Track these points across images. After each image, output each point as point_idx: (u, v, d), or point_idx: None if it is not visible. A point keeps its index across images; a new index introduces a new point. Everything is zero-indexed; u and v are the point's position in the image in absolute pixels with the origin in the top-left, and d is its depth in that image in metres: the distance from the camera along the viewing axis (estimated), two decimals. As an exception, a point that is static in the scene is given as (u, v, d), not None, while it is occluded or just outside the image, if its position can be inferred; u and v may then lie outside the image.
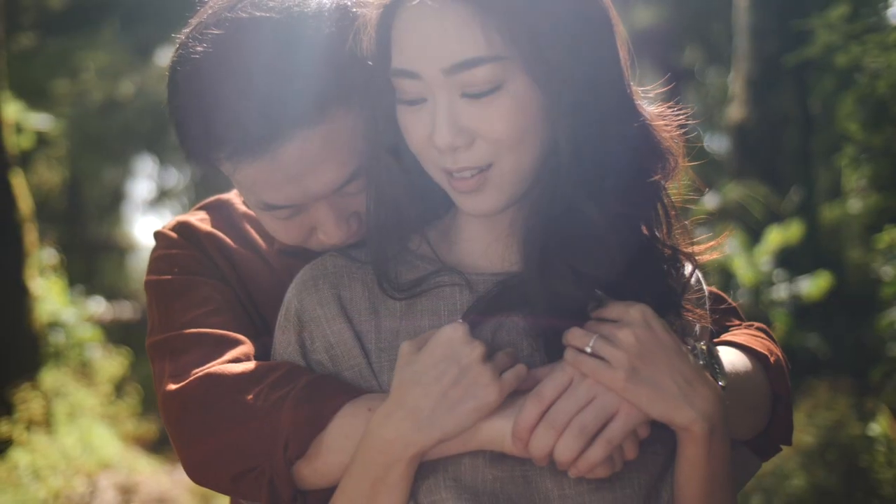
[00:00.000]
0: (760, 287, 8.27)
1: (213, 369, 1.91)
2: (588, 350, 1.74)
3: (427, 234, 1.98)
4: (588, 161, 1.78)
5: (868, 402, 6.69)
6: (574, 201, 1.79)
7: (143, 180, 27.99)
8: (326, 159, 1.91)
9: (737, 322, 2.21)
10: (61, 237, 15.87)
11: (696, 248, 1.98)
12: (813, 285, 8.09)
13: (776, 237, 8.37)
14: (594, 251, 1.80)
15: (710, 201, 9.41)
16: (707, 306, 2.06)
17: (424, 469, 1.79)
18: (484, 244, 1.93)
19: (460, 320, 1.81)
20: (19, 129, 13.67)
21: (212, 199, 2.29)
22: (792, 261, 8.49)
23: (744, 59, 9.74)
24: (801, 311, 8.23)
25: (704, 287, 2.04)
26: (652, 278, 1.88)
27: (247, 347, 1.99)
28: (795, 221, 8.42)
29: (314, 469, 1.83)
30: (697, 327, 1.97)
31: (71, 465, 8.57)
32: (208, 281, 2.11)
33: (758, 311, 8.20)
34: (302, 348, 1.92)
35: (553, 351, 1.82)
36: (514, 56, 1.72)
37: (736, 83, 10.04)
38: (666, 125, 1.89)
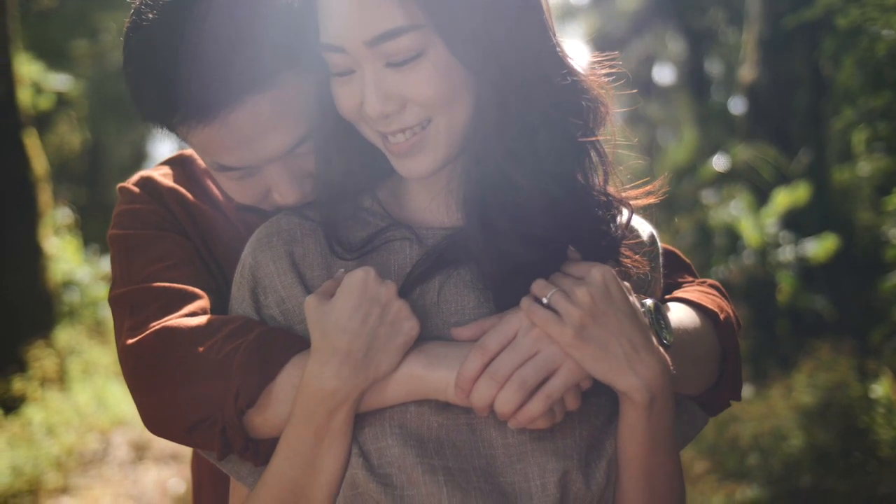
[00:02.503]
0: (767, 249, 8.27)
1: (168, 323, 1.95)
2: (544, 301, 1.78)
3: (377, 192, 2.02)
4: (515, 122, 1.82)
5: (870, 363, 6.70)
6: (502, 163, 1.83)
7: (164, 141, 28.06)
8: (277, 123, 1.96)
9: (690, 279, 2.23)
10: (81, 198, 15.97)
11: (632, 194, 2.01)
12: (819, 247, 8.08)
13: (784, 199, 8.36)
14: (529, 207, 1.83)
15: (719, 162, 9.42)
16: (657, 258, 2.09)
17: (371, 417, 1.84)
18: (428, 200, 1.97)
19: (342, 271, 1.87)
20: (39, 89, 13.74)
21: (176, 154, 2.33)
22: (800, 223, 8.47)
23: (756, 20, 9.68)
24: (808, 272, 8.22)
25: (642, 233, 2.06)
26: (589, 226, 1.91)
27: (203, 302, 2.03)
28: (803, 183, 8.40)
29: (265, 419, 1.87)
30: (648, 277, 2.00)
31: (84, 421, 8.67)
32: (169, 235, 2.15)
33: (764, 273, 8.20)
34: (255, 303, 1.96)
35: (501, 303, 1.85)
36: (431, 24, 1.76)
37: (748, 44, 9.99)
38: (595, 78, 1.91)
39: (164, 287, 2.04)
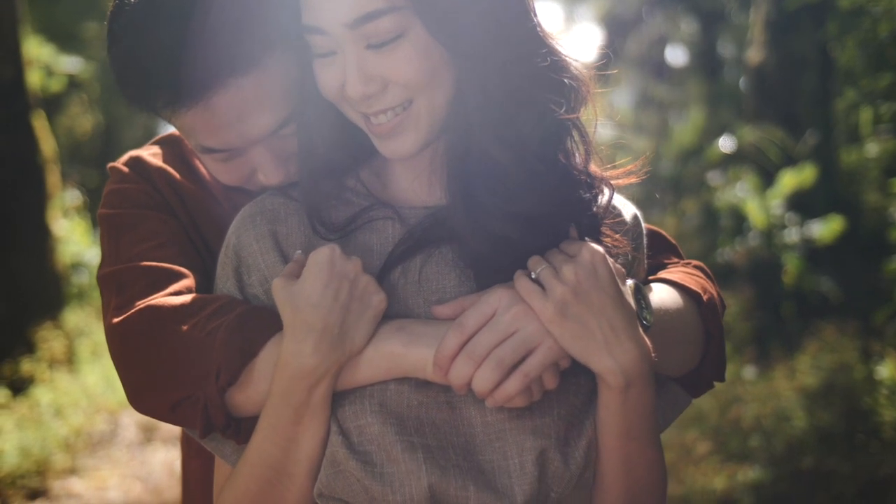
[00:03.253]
0: (773, 230, 8.26)
1: (153, 302, 1.97)
2: (534, 275, 1.80)
3: (360, 172, 2.03)
4: (495, 102, 1.84)
5: (875, 345, 6.70)
6: (484, 141, 1.84)
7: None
8: (260, 105, 1.97)
9: (675, 260, 2.24)
10: (92, 180, 16.00)
11: (613, 173, 2.02)
12: (825, 229, 8.07)
13: (790, 180, 8.34)
14: (513, 184, 1.85)
15: (726, 144, 9.41)
16: (640, 239, 2.10)
17: (350, 395, 1.85)
18: (410, 179, 1.99)
19: (300, 252, 1.90)
20: (50, 72, 13.77)
21: (166, 134, 2.35)
22: (806, 204, 8.46)
23: (763, 1, 9.65)
24: (814, 254, 8.21)
25: (625, 213, 2.07)
26: (570, 205, 1.92)
27: (189, 281, 2.05)
28: (809, 165, 8.38)
29: (247, 397, 1.89)
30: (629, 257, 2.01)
31: (93, 403, 8.71)
32: (157, 215, 2.18)
33: (769, 255, 8.20)
34: (239, 282, 1.98)
35: (482, 282, 1.87)
36: (410, 6, 1.78)
37: (755, 26, 9.96)
38: (577, 59, 1.92)
39: (150, 266, 2.06)
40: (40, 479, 7.57)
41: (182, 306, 1.95)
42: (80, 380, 9.03)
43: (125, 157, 2.30)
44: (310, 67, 1.91)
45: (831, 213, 8.23)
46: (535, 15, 1.89)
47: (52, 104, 14.98)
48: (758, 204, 8.29)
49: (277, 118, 2.00)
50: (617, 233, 1.99)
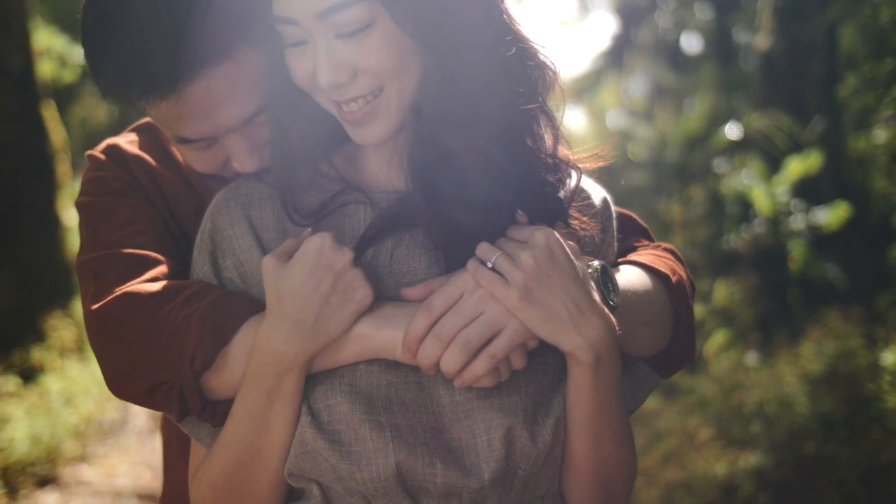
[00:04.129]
0: (779, 217, 8.25)
1: (129, 288, 2.00)
2: (489, 265, 1.82)
3: (333, 158, 2.06)
4: (459, 90, 1.87)
5: (879, 331, 6.69)
6: (445, 130, 1.87)
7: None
8: (233, 95, 2.00)
9: (645, 243, 2.26)
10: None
11: (579, 157, 2.05)
12: (832, 215, 8.06)
13: (796, 167, 8.33)
14: (472, 172, 1.88)
15: (732, 131, 9.38)
16: (609, 222, 2.12)
17: (321, 376, 1.89)
18: (381, 164, 2.02)
19: (308, 231, 1.91)
20: (63, 63, 13.82)
21: (144, 121, 2.37)
22: (813, 191, 8.44)
23: (772, -13, 9.64)
24: (820, 241, 8.20)
25: (594, 197, 2.10)
26: (536, 189, 1.95)
27: (165, 267, 2.08)
28: (815, 151, 8.36)
29: (221, 381, 1.93)
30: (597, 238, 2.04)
31: (103, 391, 8.74)
32: (133, 202, 2.21)
33: (775, 241, 8.18)
34: (215, 267, 2.01)
35: (452, 265, 1.90)
36: None
37: (763, 12, 9.94)
38: (543, 45, 1.94)
39: (127, 253, 2.10)
40: (50, 466, 7.62)
41: (158, 292, 1.98)
42: (90, 368, 9.08)
43: (102, 144, 2.34)
44: (282, 57, 1.93)
45: (838, 199, 8.20)
46: (503, 2, 1.91)
47: (66, 95, 15.03)
48: (764, 191, 8.28)
49: (250, 107, 2.03)
50: (585, 216, 2.02)
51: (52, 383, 8.46)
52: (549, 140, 1.99)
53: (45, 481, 7.48)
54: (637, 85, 24.12)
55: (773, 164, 8.77)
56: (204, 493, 2.00)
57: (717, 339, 8.06)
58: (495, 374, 1.83)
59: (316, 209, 1.99)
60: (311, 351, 1.84)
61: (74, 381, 8.66)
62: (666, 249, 2.24)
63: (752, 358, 7.57)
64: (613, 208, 2.16)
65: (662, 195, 11.24)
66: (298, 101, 1.97)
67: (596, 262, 1.93)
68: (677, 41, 23.45)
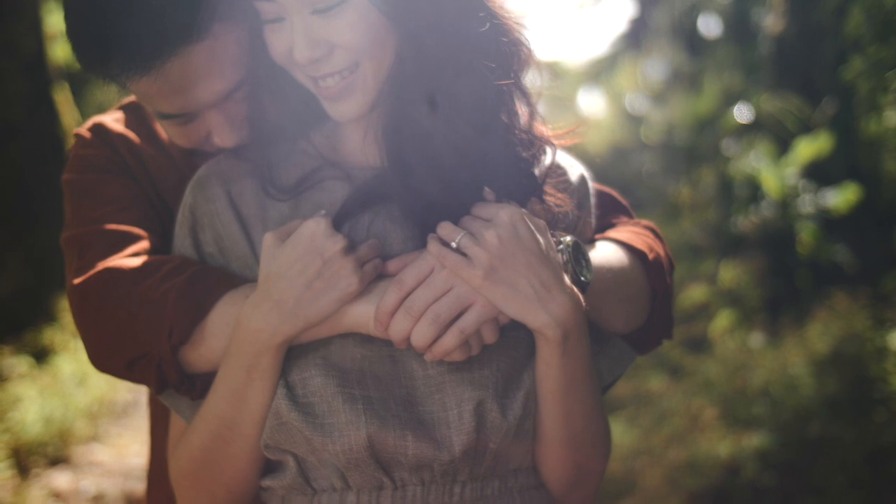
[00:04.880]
0: (787, 199, 8.23)
1: (111, 263, 2.03)
2: (454, 245, 1.84)
3: (312, 134, 2.08)
4: (432, 66, 1.88)
5: (888, 313, 6.68)
6: (417, 106, 1.89)
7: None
8: (212, 71, 2.02)
9: (625, 220, 2.27)
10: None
11: (555, 134, 2.07)
12: (841, 197, 8.04)
13: (806, 149, 8.31)
14: (444, 148, 1.90)
15: (741, 113, 9.36)
16: (587, 198, 2.13)
17: (296, 350, 1.92)
18: (359, 140, 2.03)
19: (323, 213, 1.91)
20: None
21: (130, 99, 2.40)
22: (823, 173, 8.42)
23: (783, -32, 9.60)
24: (830, 223, 8.18)
25: (571, 173, 2.11)
26: (512, 165, 1.97)
27: (146, 243, 2.11)
28: (824, 133, 8.34)
29: (199, 354, 1.96)
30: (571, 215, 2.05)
31: (115, 372, 8.79)
32: (118, 179, 2.24)
33: (784, 223, 8.17)
34: (195, 242, 2.04)
35: (426, 239, 1.92)
36: None
37: (775, -6, 9.91)
38: (518, 21, 1.95)
39: (110, 229, 2.13)
40: (62, 446, 7.67)
41: (138, 267, 2.01)
42: (103, 349, 9.11)
43: (89, 122, 2.37)
44: (260, 33, 1.95)
45: (848, 181, 8.18)
46: None
47: (82, 78, 15.07)
48: (773, 173, 8.26)
49: (230, 83, 2.05)
50: (561, 192, 2.03)
51: (64, 364, 8.50)
52: (524, 116, 2.01)
53: (57, 461, 7.53)
54: (654, 68, 24.03)
55: (784, 147, 8.75)
56: (183, 466, 2.04)
57: (722, 320, 8.06)
58: (465, 348, 1.85)
59: (294, 185, 2.02)
60: (288, 332, 1.87)
61: (86, 362, 8.60)
62: (646, 227, 2.25)
63: (757, 339, 7.57)
64: (591, 185, 2.17)
65: (672, 178, 11.23)
66: (277, 77, 1.99)
67: (568, 238, 1.94)
68: (695, 23, 23.35)
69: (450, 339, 1.82)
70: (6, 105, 9.26)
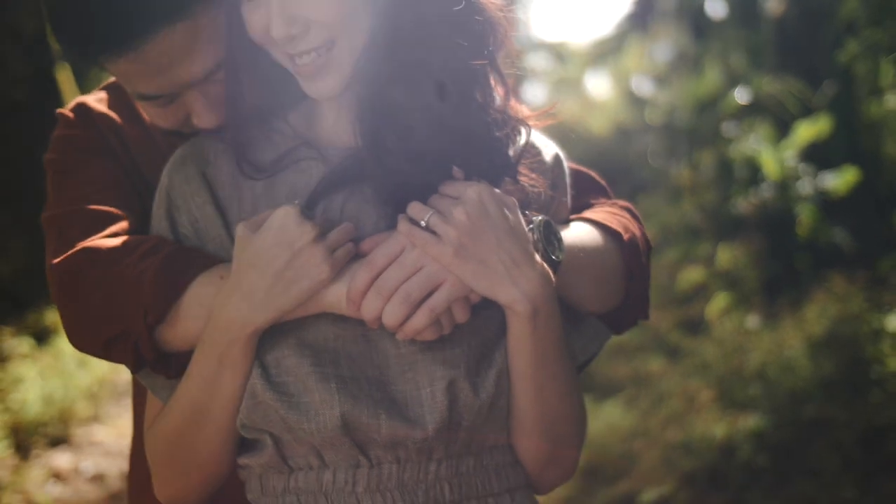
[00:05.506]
0: (787, 181, 8.24)
1: (89, 243, 2.05)
2: (423, 224, 1.86)
3: (289, 115, 2.09)
4: (406, 44, 1.89)
5: (885, 295, 6.69)
6: (391, 83, 1.90)
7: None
8: (191, 51, 2.03)
9: (602, 200, 2.28)
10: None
11: (530, 115, 2.08)
12: (840, 180, 8.04)
13: (805, 131, 8.31)
14: (418, 126, 1.91)
15: (742, 95, 9.35)
16: (561, 178, 2.14)
17: (270, 330, 1.93)
18: (335, 120, 2.04)
19: (296, 202, 1.92)
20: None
21: (112, 79, 2.41)
22: (823, 156, 8.43)
23: (785, -49, 9.59)
24: (830, 206, 8.19)
25: (545, 153, 2.12)
26: (485, 145, 1.98)
27: (126, 223, 2.13)
28: (824, 116, 8.34)
29: (175, 333, 1.97)
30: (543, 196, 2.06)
31: (116, 353, 8.82)
32: (99, 159, 2.26)
33: (784, 206, 8.18)
34: (171, 223, 2.05)
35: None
36: None
37: (776, -24, 9.90)
38: (495, 1, 1.96)
39: (90, 209, 2.14)
40: (63, 426, 7.71)
41: (116, 247, 2.03)
42: (105, 330, 9.13)
43: (72, 103, 2.39)
44: (238, 12, 1.96)
45: (847, 164, 8.19)
46: None
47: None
48: (772, 155, 8.27)
49: (208, 64, 2.06)
50: (535, 172, 2.04)
51: (65, 345, 8.52)
52: (499, 96, 2.02)
53: (58, 442, 7.57)
54: (660, 50, 23.97)
55: (784, 129, 8.75)
56: (158, 446, 2.07)
57: (720, 301, 8.07)
58: (437, 327, 1.87)
59: (269, 164, 2.03)
60: (260, 322, 1.89)
61: (88, 342, 8.71)
62: (623, 207, 2.25)
63: (753, 321, 7.58)
64: (567, 165, 2.18)
65: (675, 160, 11.24)
66: (255, 56, 2.00)
67: (539, 218, 1.95)
68: (701, 5, 23.29)
69: (420, 318, 1.84)
70: (8, 86, 9.29)
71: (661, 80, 18.81)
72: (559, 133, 2.22)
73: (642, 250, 2.18)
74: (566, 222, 2.13)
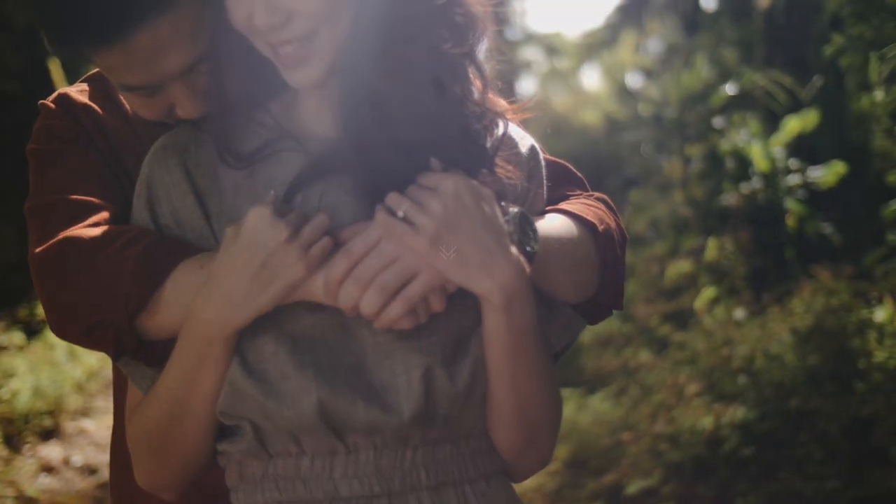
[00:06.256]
0: (776, 175, 8.27)
1: (71, 233, 2.07)
2: (400, 214, 1.88)
3: (270, 105, 2.11)
4: (388, 35, 1.91)
5: (871, 289, 6.72)
6: (372, 73, 1.93)
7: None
8: (176, 43, 2.05)
9: (578, 192, 2.30)
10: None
11: (507, 108, 2.10)
12: (829, 173, 8.08)
13: (794, 125, 8.34)
14: (398, 116, 1.93)
15: (732, 89, 9.38)
16: (537, 170, 2.17)
17: None
18: (315, 111, 2.06)
19: (271, 196, 1.94)
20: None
21: (95, 71, 2.43)
22: (811, 149, 8.47)
23: (773, -57, 9.62)
24: (818, 199, 8.22)
25: (521, 145, 2.14)
26: (461, 137, 2.00)
27: (107, 213, 2.15)
28: (812, 109, 8.38)
29: (155, 322, 2.00)
30: (520, 188, 2.09)
31: (107, 346, 8.83)
32: (81, 150, 2.29)
33: (773, 199, 8.21)
34: (152, 214, 2.07)
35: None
36: None
37: (765, -32, 9.92)
38: None
39: (72, 199, 2.17)
40: (53, 419, 7.74)
41: (97, 236, 2.05)
42: (95, 323, 9.15)
43: (54, 94, 2.41)
44: (222, 2, 1.98)
45: (836, 158, 8.22)
46: None
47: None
48: (761, 148, 8.30)
49: (193, 56, 2.08)
50: (511, 164, 2.07)
51: (56, 338, 8.53)
52: (477, 89, 2.05)
53: (48, 434, 7.60)
54: (653, 43, 24.00)
55: (774, 123, 8.79)
56: (139, 437, 2.10)
57: (708, 294, 8.11)
58: (413, 316, 1.89)
59: (249, 154, 2.05)
60: (239, 322, 1.91)
61: (78, 335, 8.73)
62: (598, 199, 2.28)
63: (741, 313, 7.62)
64: (543, 157, 2.20)
65: (666, 153, 11.27)
66: (238, 46, 2.02)
67: (515, 209, 1.98)
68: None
69: (396, 308, 1.87)
70: (1, 78, 9.29)
71: (652, 73, 18.84)
72: (551, 126, 2.25)
73: (617, 241, 2.21)
74: (542, 213, 2.16)
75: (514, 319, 1.92)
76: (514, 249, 1.92)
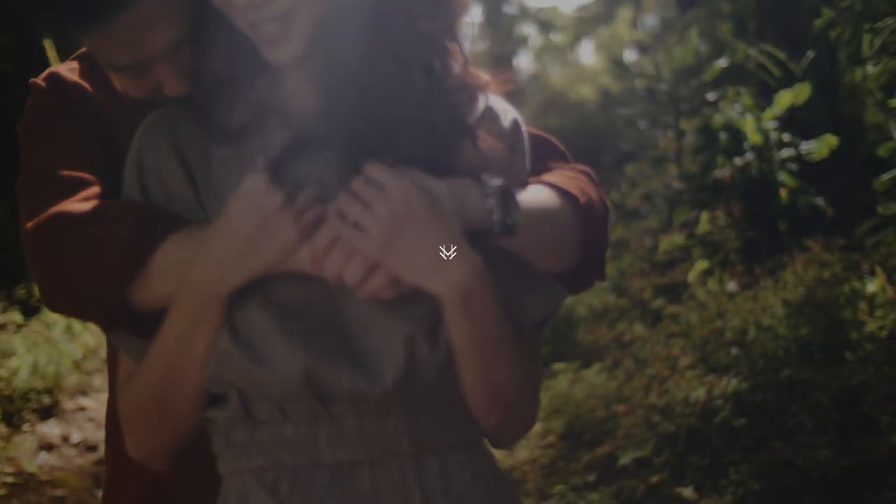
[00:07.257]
0: (771, 149, 8.30)
1: (62, 207, 2.11)
2: (350, 220, 1.91)
3: (257, 82, 2.14)
4: (366, 9, 1.94)
5: (864, 262, 6.76)
6: (352, 48, 1.95)
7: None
8: (161, 23, 2.08)
9: (561, 165, 2.33)
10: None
11: (489, 81, 2.13)
12: (822, 145, 8.11)
13: (786, 98, 8.36)
14: (381, 91, 1.96)
15: (725, 63, 9.39)
16: (520, 144, 2.19)
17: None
18: (296, 87, 2.09)
19: (261, 163, 1.98)
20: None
21: (85, 49, 2.47)
22: (804, 123, 8.48)
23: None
24: (811, 172, 8.25)
25: (504, 119, 2.17)
26: (444, 110, 2.03)
27: (98, 188, 2.19)
28: (805, 83, 8.39)
29: (146, 294, 2.03)
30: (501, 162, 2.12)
31: (105, 324, 8.87)
32: (71, 127, 2.33)
33: (766, 171, 8.24)
34: (142, 188, 2.11)
35: None
36: None
37: (759, -58, 9.91)
38: None
39: (63, 175, 2.21)
40: (52, 396, 7.78)
41: (88, 211, 2.09)
42: (93, 301, 9.18)
43: (45, 73, 2.45)
44: None
45: (828, 131, 8.25)
46: None
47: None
48: (754, 122, 8.33)
49: (178, 34, 2.11)
50: (493, 137, 2.10)
51: (54, 317, 8.60)
52: (457, 62, 2.07)
53: (47, 411, 7.64)
54: (649, 18, 24.00)
55: (767, 96, 8.80)
56: (131, 404, 2.13)
57: (699, 267, 8.15)
58: (394, 286, 1.93)
59: (235, 130, 2.09)
60: (232, 284, 1.95)
61: (76, 314, 8.76)
62: (581, 171, 2.30)
63: (733, 286, 7.66)
64: (525, 130, 2.23)
65: (660, 127, 11.29)
66: (222, 24, 2.05)
67: (496, 182, 2.01)
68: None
69: (378, 278, 1.91)
70: (-5, 57, 9.31)
71: (647, 48, 18.82)
72: (547, 101, 2.28)
73: (598, 213, 2.23)
74: (524, 185, 2.19)
75: (474, 313, 1.95)
76: (467, 247, 1.94)
